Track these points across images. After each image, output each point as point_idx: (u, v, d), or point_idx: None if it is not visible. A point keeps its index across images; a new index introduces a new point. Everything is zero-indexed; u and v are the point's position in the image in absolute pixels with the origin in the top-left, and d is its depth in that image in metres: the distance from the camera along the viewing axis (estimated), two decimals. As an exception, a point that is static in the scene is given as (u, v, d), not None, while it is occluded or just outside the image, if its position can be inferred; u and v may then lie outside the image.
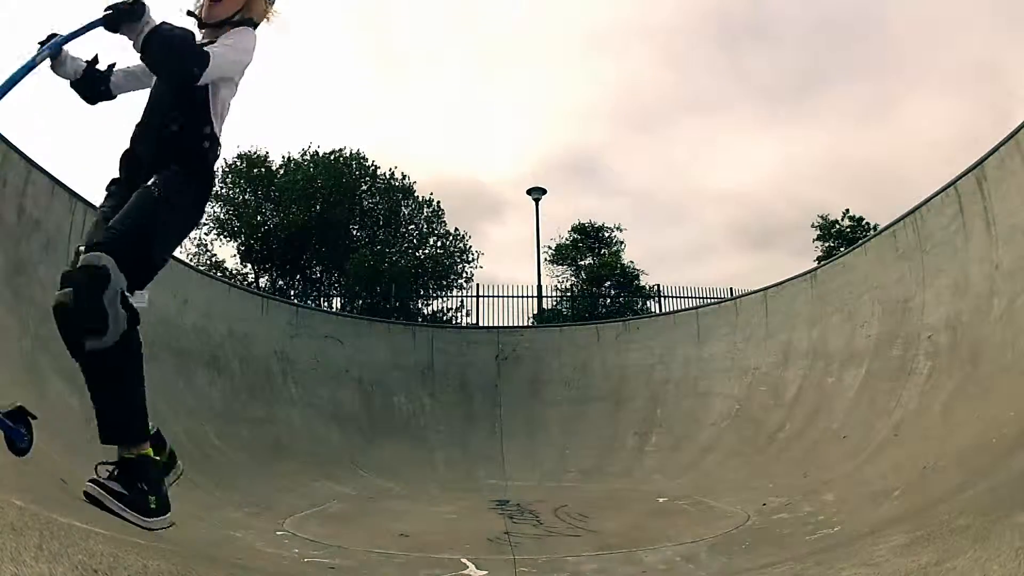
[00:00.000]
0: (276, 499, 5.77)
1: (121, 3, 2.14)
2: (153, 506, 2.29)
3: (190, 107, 2.33)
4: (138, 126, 2.42)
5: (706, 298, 16.09)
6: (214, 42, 2.34)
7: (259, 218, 19.89)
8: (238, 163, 20.24)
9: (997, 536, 1.85)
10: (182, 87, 2.27)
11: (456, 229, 21.39)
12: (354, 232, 20.84)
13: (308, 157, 20.66)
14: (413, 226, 21.26)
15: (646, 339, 10.77)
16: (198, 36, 2.38)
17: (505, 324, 14.75)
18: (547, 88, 45.17)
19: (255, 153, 20.51)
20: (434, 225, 21.27)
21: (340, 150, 20.73)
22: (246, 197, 20.20)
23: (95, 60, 2.42)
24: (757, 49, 42.44)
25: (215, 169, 2.52)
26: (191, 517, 4.42)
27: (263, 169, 20.36)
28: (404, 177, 21.10)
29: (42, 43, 2.24)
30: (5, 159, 5.22)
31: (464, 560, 3.76)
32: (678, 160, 41.28)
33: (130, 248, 2.07)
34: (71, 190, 6.10)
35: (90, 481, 2.18)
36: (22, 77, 2.12)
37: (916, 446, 5.11)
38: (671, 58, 44.52)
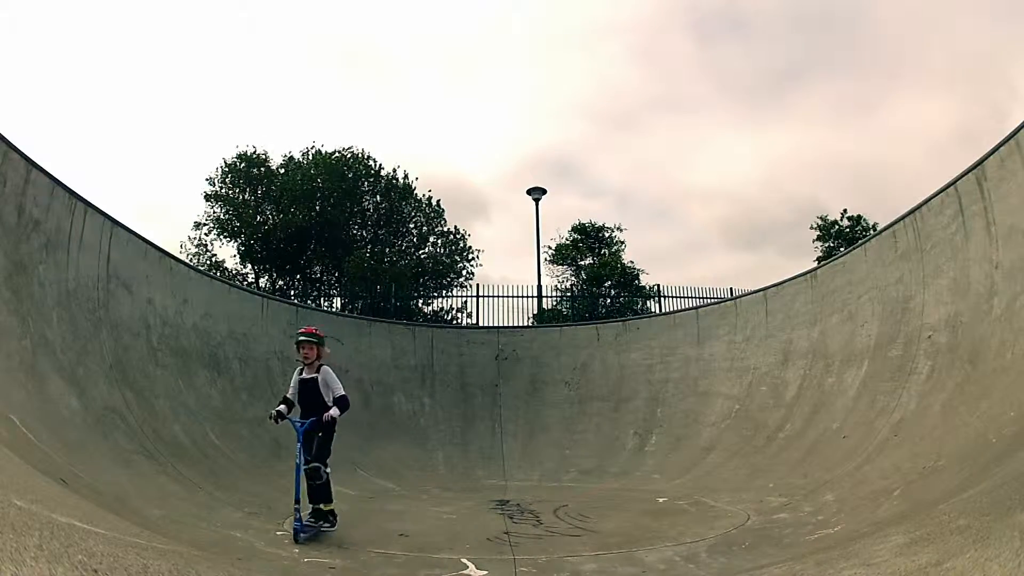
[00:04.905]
0: (276, 499, 5.77)
1: (324, 430, 4.69)
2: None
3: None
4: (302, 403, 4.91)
5: (706, 298, 16.06)
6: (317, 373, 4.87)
7: (259, 218, 19.87)
8: (238, 163, 20.25)
9: (997, 536, 1.85)
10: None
11: (456, 227, 21.42)
12: (354, 232, 20.83)
13: (309, 157, 20.67)
14: (413, 225, 21.25)
15: (646, 339, 10.77)
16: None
17: (505, 324, 14.74)
18: (529, 88, 45.15)
19: (255, 153, 20.53)
20: (434, 224, 21.27)
21: (342, 150, 20.78)
22: (246, 197, 20.19)
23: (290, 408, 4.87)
24: (741, 45, 42.34)
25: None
26: (191, 517, 4.43)
27: (263, 169, 20.35)
28: (406, 176, 21.14)
29: (275, 419, 4.76)
30: (5, 159, 5.22)
31: (464, 560, 3.76)
32: (661, 159, 41.25)
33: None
34: (71, 190, 6.10)
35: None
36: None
37: (916, 446, 5.11)
38: (651, 56, 44.38)
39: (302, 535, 4.13)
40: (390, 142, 45.29)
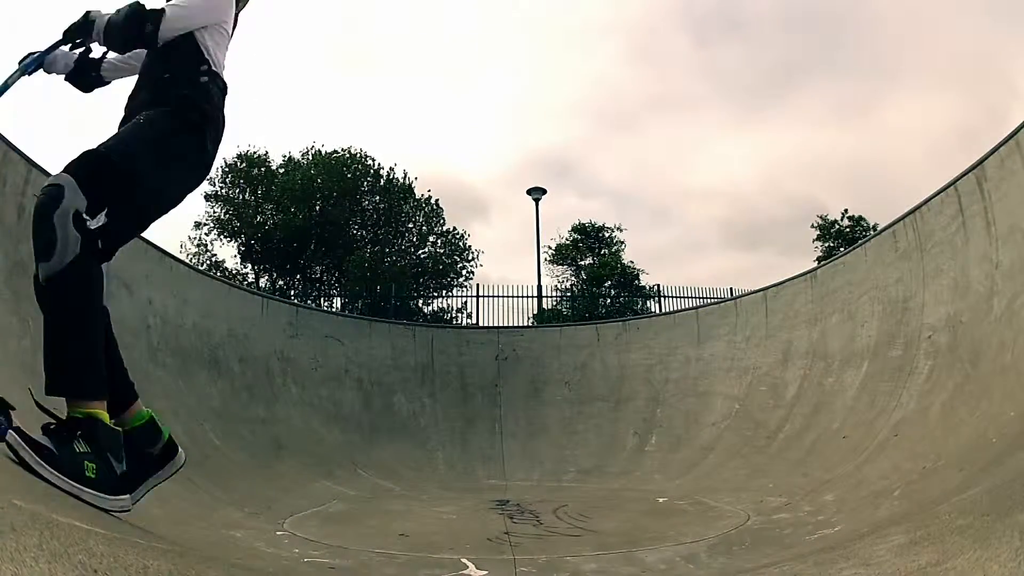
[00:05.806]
0: (276, 499, 5.77)
1: (73, 25, 2.21)
2: (91, 475, 1.97)
3: (178, 60, 2.34)
4: (137, 82, 2.45)
5: (706, 298, 16.09)
6: None
7: (259, 218, 19.92)
8: (238, 163, 20.26)
9: (997, 536, 1.85)
10: (162, 47, 2.27)
11: (455, 227, 21.45)
12: (354, 232, 20.86)
13: (308, 157, 20.70)
14: (412, 225, 21.29)
15: (646, 339, 10.77)
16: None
17: (505, 324, 14.75)
18: (529, 88, 45.24)
19: (255, 153, 20.54)
20: (433, 223, 21.31)
21: (344, 149, 20.79)
22: (246, 197, 20.23)
23: (88, 51, 2.42)
24: (740, 45, 42.44)
25: (214, 112, 2.53)
26: (191, 517, 4.42)
27: (263, 169, 20.38)
28: (405, 176, 21.16)
29: (20, 61, 2.29)
30: (5, 159, 5.21)
31: (464, 560, 3.76)
32: (661, 159, 41.35)
33: (91, 166, 1.99)
34: (71, 190, 6.10)
35: (13, 429, 1.89)
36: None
37: (916, 446, 5.11)
38: (650, 56, 44.54)
39: None
40: (390, 142, 45.38)
